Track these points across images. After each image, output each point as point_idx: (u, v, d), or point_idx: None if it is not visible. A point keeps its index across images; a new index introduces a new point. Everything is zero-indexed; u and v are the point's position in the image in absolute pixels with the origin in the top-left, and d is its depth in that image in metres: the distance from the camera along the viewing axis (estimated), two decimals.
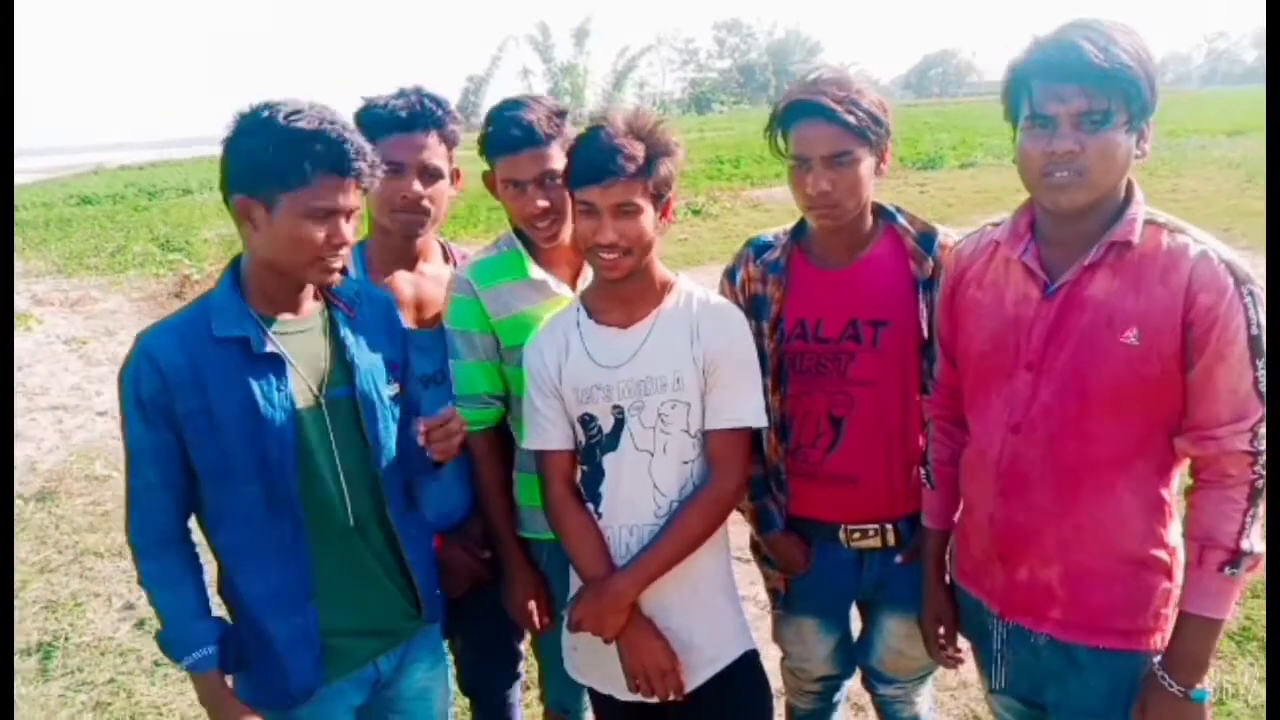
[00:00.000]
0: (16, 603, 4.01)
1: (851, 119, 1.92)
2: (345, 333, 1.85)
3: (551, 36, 53.93)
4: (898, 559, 2.15)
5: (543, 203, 2.09)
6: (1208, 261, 1.58)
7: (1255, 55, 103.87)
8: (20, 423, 6.31)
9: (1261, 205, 12.51)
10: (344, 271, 1.84)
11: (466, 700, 2.58)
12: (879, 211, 2.12)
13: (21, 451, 5.86)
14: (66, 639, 3.84)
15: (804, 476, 2.15)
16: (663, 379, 1.90)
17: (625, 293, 1.92)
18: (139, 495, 1.77)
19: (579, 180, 1.84)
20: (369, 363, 1.87)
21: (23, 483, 5.38)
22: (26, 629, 3.88)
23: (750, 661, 2.00)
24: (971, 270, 1.87)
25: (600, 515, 1.95)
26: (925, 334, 2.05)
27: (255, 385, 1.71)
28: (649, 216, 1.85)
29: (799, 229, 2.16)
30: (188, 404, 1.69)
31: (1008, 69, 1.69)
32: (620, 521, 1.93)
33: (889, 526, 2.13)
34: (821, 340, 2.08)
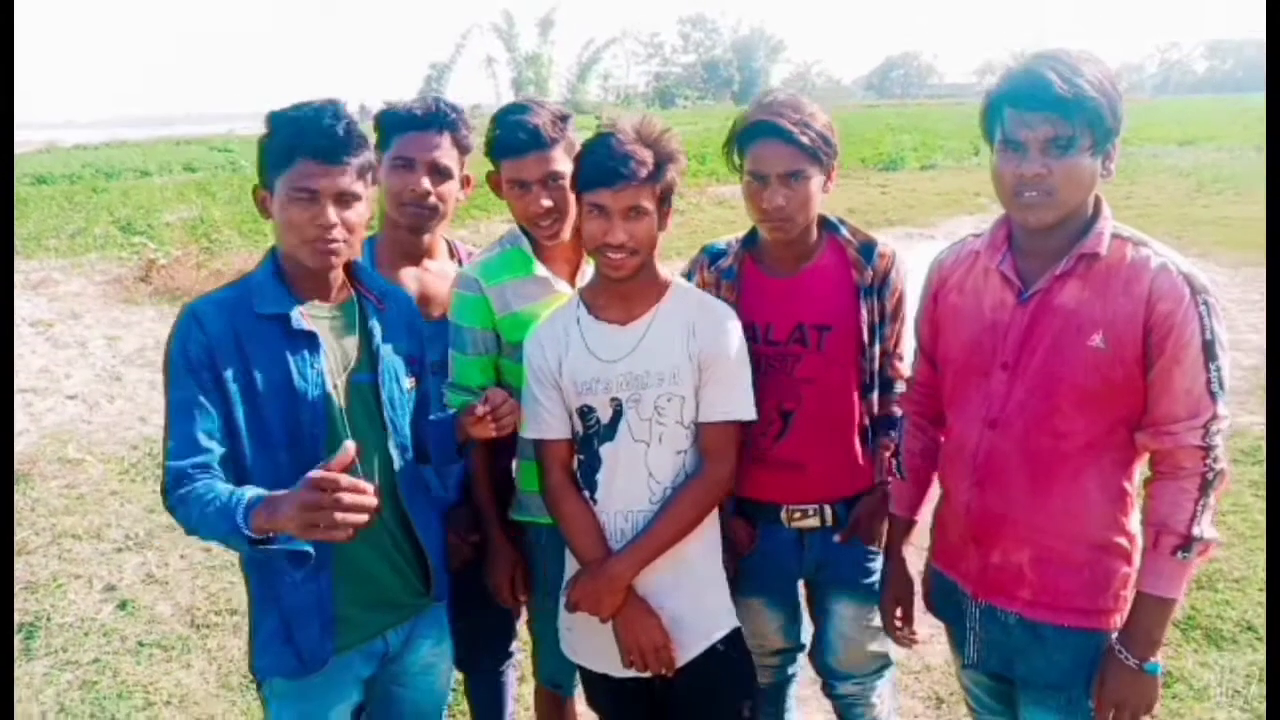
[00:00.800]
0: None
1: (805, 140, 2.06)
2: (374, 323, 1.96)
3: (516, 25, 53.64)
4: (836, 538, 2.29)
5: (546, 202, 2.19)
6: (1167, 273, 1.73)
7: (1206, 66, 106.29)
8: None
9: (1209, 214, 12.91)
10: (352, 263, 1.94)
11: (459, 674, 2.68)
12: (824, 223, 2.26)
13: None
14: (49, 619, 3.87)
15: (753, 462, 2.26)
16: (660, 373, 2.00)
17: (625, 290, 2.02)
18: (181, 419, 1.73)
19: (590, 183, 1.94)
20: (391, 353, 1.97)
21: None
22: None
23: (734, 639, 2.12)
24: (953, 278, 2.01)
25: (596, 502, 2.05)
26: (865, 338, 2.20)
27: (292, 359, 1.82)
28: (654, 219, 1.97)
29: (750, 238, 2.29)
30: (230, 369, 1.77)
31: (984, 96, 1.84)
32: (616, 508, 2.04)
33: (827, 508, 2.28)
34: (771, 343, 2.22)
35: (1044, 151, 1.71)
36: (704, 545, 2.10)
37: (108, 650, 3.68)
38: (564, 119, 2.24)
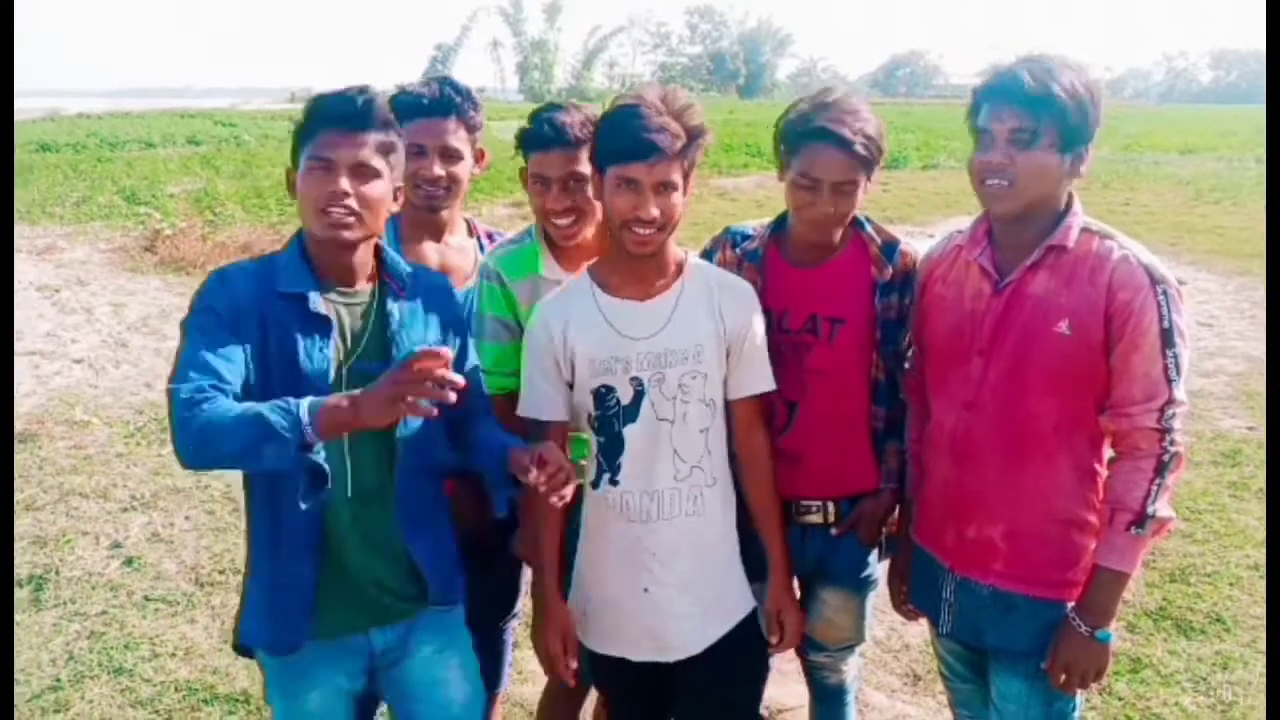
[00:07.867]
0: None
1: (863, 151, 2.08)
2: (392, 309, 1.92)
3: (523, 10, 53.69)
4: (833, 531, 2.34)
5: (565, 201, 2.24)
6: (1128, 264, 1.86)
7: (1211, 76, 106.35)
8: None
9: (1207, 223, 12.93)
10: (380, 246, 1.94)
11: None
12: (851, 219, 2.30)
13: None
14: (57, 573, 3.99)
15: None
16: (684, 351, 2.02)
17: (644, 268, 2.02)
18: (203, 346, 1.73)
19: (621, 156, 1.89)
20: (411, 342, 1.91)
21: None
22: (17, 562, 4.01)
23: (753, 618, 2.17)
24: (939, 270, 2.14)
25: (618, 483, 2.05)
26: (878, 335, 2.25)
27: (303, 339, 1.82)
28: (681, 194, 1.95)
29: (778, 225, 2.33)
30: (248, 333, 1.80)
31: (972, 92, 1.97)
32: (640, 488, 2.05)
33: (830, 504, 2.32)
34: (785, 331, 2.26)
35: (1009, 142, 1.84)
36: (722, 529, 2.13)
37: (115, 604, 3.79)
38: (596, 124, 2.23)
